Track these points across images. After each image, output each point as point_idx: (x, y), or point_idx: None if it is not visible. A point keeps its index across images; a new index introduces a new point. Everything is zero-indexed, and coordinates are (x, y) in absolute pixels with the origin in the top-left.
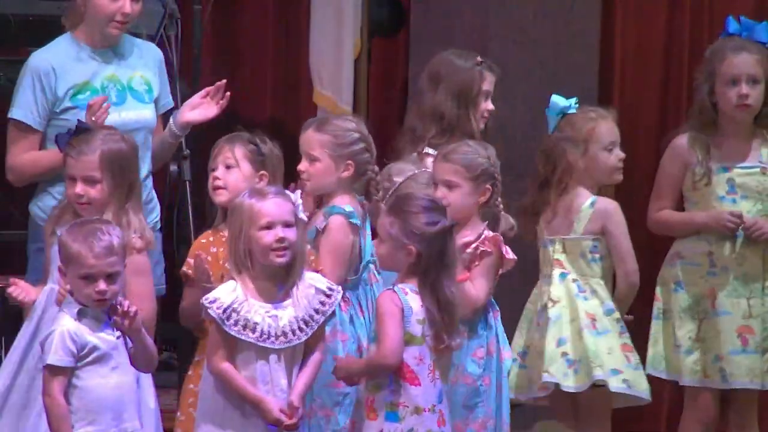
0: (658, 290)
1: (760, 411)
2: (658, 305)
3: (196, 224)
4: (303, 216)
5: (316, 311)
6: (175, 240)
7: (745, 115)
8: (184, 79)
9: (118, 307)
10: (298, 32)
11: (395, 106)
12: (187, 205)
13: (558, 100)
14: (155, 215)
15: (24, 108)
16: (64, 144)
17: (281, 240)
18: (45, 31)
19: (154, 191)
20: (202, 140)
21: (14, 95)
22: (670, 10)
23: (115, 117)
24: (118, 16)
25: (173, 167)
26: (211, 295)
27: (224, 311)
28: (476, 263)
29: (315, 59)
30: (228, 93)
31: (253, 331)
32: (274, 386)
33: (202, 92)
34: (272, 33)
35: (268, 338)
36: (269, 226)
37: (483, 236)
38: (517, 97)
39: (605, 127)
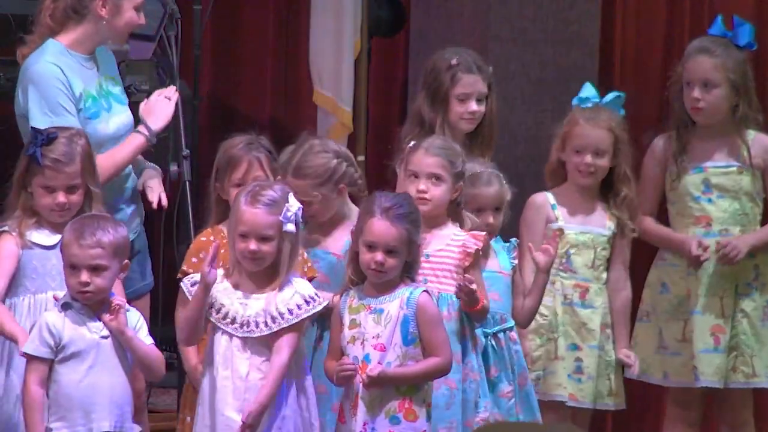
0: (644, 293)
1: (756, 410)
2: (642, 308)
3: (196, 224)
4: (291, 228)
5: (290, 311)
6: (175, 240)
7: (700, 118)
8: (184, 79)
9: (110, 304)
10: (298, 32)
11: (395, 106)
12: (187, 205)
13: (584, 89)
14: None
15: (59, 114)
16: (39, 156)
17: (252, 252)
18: None
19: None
20: (202, 140)
21: (37, 108)
22: (669, 11)
23: (111, 125)
24: (135, 27)
25: (173, 167)
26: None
27: (193, 285)
28: (467, 262)
29: (315, 59)
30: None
31: (218, 311)
32: (233, 372)
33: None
34: (272, 33)
35: (231, 323)
36: (245, 236)
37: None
38: (517, 97)
39: (581, 129)
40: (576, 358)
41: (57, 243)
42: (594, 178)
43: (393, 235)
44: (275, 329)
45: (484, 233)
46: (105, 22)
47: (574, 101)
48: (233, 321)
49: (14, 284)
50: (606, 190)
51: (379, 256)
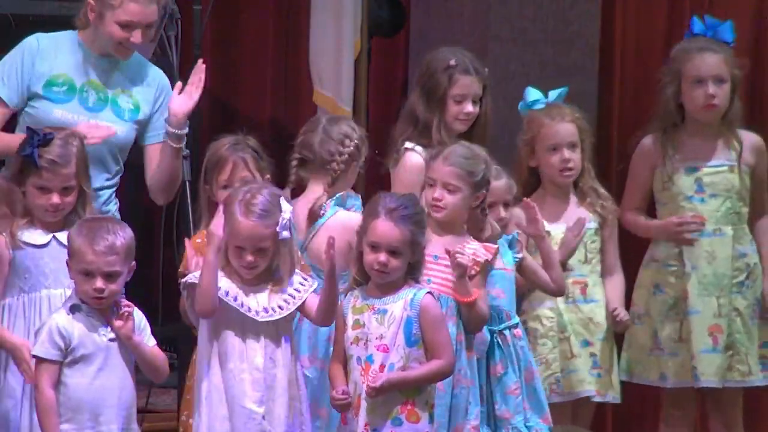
0: (635, 295)
1: (753, 410)
2: (633, 310)
3: (195, 224)
4: (286, 234)
5: (297, 290)
6: (175, 240)
7: (712, 115)
8: (184, 79)
9: (118, 309)
10: (298, 32)
11: (395, 106)
12: (187, 205)
13: (529, 94)
14: None
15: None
16: (36, 157)
17: (249, 263)
18: (45, 31)
19: (117, 203)
20: (202, 140)
21: None
22: (669, 10)
23: (77, 120)
24: (126, 42)
25: None
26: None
27: (189, 284)
28: (474, 271)
29: (315, 59)
30: (202, 75)
31: (235, 300)
32: (249, 364)
33: (179, 85)
34: (272, 33)
35: (250, 311)
36: (241, 248)
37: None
38: (517, 97)
39: (549, 128)
40: (591, 353)
41: (49, 242)
42: (574, 174)
43: (396, 237)
44: (292, 308)
45: (496, 246)
46: (94, 27)
47: (523, 107)
48: (250, 309)
49: (7, 285)
50: (573, 184)
51: (382, 256)
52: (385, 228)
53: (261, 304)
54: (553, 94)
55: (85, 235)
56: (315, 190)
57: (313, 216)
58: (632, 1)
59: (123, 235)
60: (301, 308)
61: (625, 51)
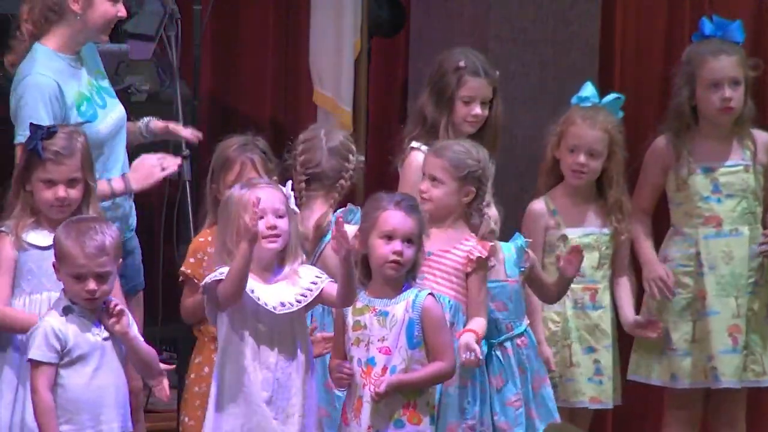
0: (646, 295)
1: (749, 410)
2: (644, 310)
3: (195, 224)
4: (295, 208)
5: (313, 283)
6: (175, 240)
7: (728, 118)
8: (184, 79)
9: (108, 307)
10: (298, 32)
11: (395, 106)
12: (187, 205)
13: (584, 88)
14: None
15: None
16: (40, 149)
17: (272, 227)
18: None
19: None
20: (202, 140)
21: (20, 118)
22: (670, 11)
23: (109, 121)
24: (114, 20)
25: None
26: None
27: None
28: (470, 268)
29: (315, 59)
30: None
31: (252, 292)
32: (261, 363)
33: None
34: (272, 33)
35: (267, 305)
36: (260, 215)
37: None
38: (517, 97)
39: (578, 129)
40: (594, 360)
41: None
42: (585, 179)
43: (410, 224)
44: (309, 299)
45: (491, 243)
46: (79, 17)
47: (574, 100)
48: (266, 304)
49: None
50: (599, 190)
51: (398, 245)
52: (398, 216)
53: (278, 298)
54: (608, 98)
55: (74, 238)
56: (320, 208)
57: (320, 232)
58: (632, 1)
59: (111, 234)
60: (320, 297)
61: (625, 51)
